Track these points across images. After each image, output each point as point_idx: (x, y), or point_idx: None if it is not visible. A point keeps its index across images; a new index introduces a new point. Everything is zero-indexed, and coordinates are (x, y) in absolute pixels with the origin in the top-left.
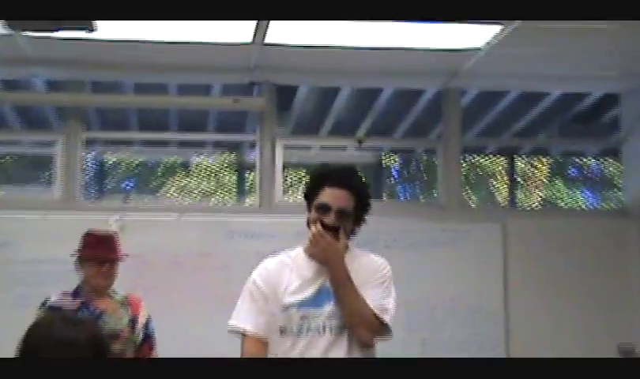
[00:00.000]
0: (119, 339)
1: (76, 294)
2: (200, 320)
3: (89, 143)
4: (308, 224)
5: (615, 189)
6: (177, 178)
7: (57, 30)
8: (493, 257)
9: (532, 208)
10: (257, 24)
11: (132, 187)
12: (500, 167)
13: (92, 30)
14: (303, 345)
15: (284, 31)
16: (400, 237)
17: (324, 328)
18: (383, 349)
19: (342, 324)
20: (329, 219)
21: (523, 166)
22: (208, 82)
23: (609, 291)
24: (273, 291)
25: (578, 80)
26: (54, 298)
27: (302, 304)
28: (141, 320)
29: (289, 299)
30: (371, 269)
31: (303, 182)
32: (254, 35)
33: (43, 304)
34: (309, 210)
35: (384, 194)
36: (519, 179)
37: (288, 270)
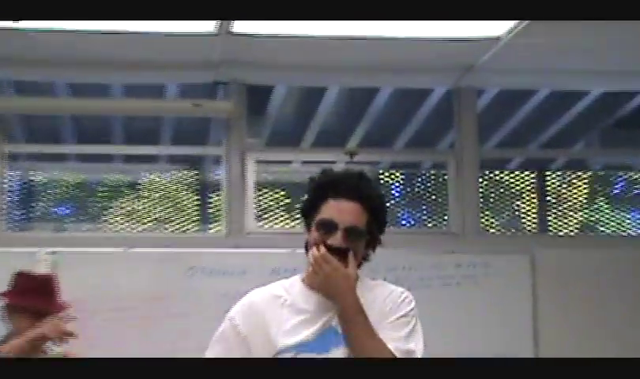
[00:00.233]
0: None
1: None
2: None
3: (12, 158)
4: (307, 248)
5: None
6: (123, 202)
7: None
8: (519, 297)
9: (568, 235)
10: None
11: (67, 213)
12: (527, 185)
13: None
14: None
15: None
16: (403, 274)
17: None
18: None
19: None
20: (336, 239)
21: (556, 183)
22: (162, 82)
23: None
24: (261, 333)
25: (623, 76)
26: None
27: (300, 347)
28: None
29: (283, 341)
30: (391, 303)
31: (282, 205)
32: (220, 24)
33: None
34: (308, 229)
35: None
36: (551, 199)
37: (280, 305)
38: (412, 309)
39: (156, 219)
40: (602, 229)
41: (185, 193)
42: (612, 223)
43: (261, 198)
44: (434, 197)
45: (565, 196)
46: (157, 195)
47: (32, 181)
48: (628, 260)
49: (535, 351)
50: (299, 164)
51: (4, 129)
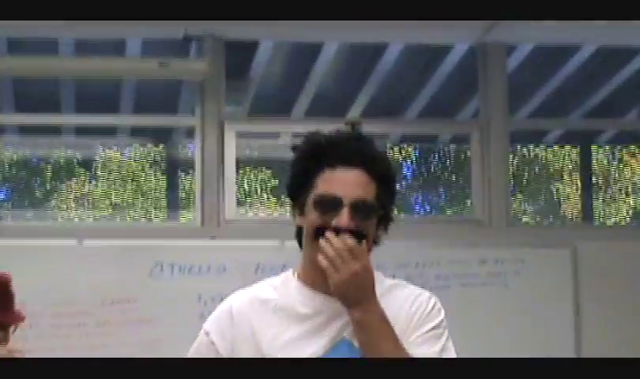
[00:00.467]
0: None
1: None
2: None
3: None
4: (299, 238)
5: None
6: (75, 184)
7: None
8: (558, 299)
9: (617, 225)
10: None
11: (5, 198)
12: (568, 163)
13: None
14: None
15: None
16: (416, 272)
17: None
18: None
19: None
20: (341, 220)
21: (603, 160)
22: (121, 36)
23: None
24: (247, 349)
25: None
26: None
27: None
28: None
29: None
30: (419, 311)
31: (268, 188)
32: None
33: None
34: (300, 213)
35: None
36: (597, 181)
37: (271, 311)
38: (442, 320)
39: (114, 204)
40: None
41: (150, 172)
42: None
43: (243, 179)
44: (454, 178)
45: (614, 177)
46: (116, 175)
47: None
48: None
49: (578, 356)
50: (289, 137)
51: None
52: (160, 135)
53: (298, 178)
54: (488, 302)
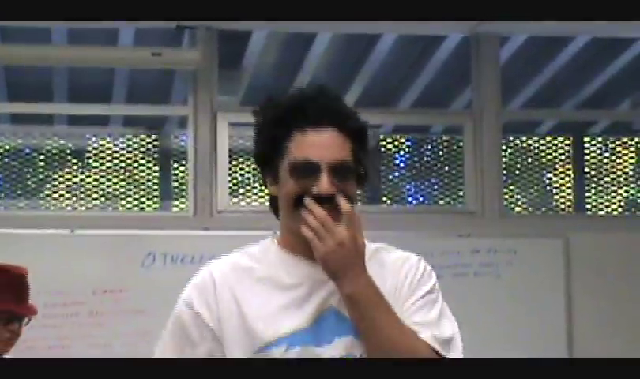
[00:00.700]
0: None
1: None
2: None
3: None
4: (274, 207)
5: None
6: (67, 174)
7: None
8: (551, 289)
9: (609, 215)
10: None
11: None
12: (561, 154)
13: None
14: None
15: None
16: None
17: None
18: None
19: None
20: (321, 185)
21: (596, 151)
22: (113, 26)
23: None
24: (235, 321)
25: None
26: None
27: (294, 338)
28: None
29: (269, 331)
30: (410, 275)
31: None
32: None
33: None
34: (272, 181)
35: (384, 196)
36: (590, 171)
37: (254, 280)
38: (435, 283)
39: (107, 194)
40: None
41: (142, 162)
42: None
43: (235, 169)
44: (446, 168)
45: (607, 167)
46: (109, 165)
47: None
48: None
49: (569, 355)
50: None
51: None
52: (153, 125)
53: (266, 144)
54: (481, 292)
